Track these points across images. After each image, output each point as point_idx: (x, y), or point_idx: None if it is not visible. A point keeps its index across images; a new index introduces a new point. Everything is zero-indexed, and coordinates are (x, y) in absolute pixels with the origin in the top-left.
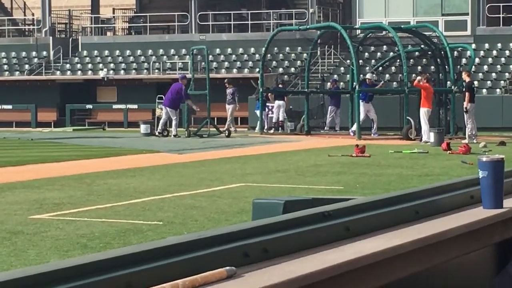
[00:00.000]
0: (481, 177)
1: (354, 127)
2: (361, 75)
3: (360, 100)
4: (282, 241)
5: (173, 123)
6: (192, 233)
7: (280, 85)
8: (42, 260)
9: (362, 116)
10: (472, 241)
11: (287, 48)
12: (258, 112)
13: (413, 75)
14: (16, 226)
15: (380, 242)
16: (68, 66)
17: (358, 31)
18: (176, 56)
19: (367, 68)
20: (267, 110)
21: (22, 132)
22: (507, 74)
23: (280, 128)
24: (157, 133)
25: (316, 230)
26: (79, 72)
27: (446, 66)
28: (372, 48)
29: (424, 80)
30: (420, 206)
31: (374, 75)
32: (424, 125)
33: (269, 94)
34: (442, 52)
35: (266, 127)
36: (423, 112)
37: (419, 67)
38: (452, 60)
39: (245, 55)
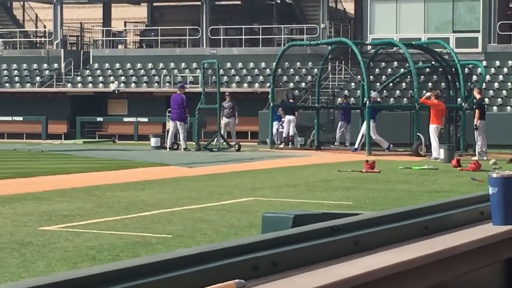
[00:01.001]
0: (491, 194)
1: (356, 145)
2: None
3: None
4: (291, 254)
5: (181, 136)
6: (202, 245)
7: (290, 100)
8: (51, 272)
9: (362, 132)
10: (482, 257)
11: (298, 63)
12: (275, 124)
13: (424, 91)
14: (26, 238)
15: (390, 256)
16: (79, 78)
17: (369, 47)
18: (187, 70)
19: (378, 84)
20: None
21: (32, 144)
22: None
23: (290, 143)
24: (167, 147)
25: (325, 244)
26: (90, 84)
27: (457, 83)
28: (383, 64)
29: (433, 96)
30: (430, 222)
31: (377, 93)
32: (434, 142)
33: (280, 109)
34: (453, 69)
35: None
36: (432, 128)
37: (430, 84)
38: (463, 77)
39: (256, 70)
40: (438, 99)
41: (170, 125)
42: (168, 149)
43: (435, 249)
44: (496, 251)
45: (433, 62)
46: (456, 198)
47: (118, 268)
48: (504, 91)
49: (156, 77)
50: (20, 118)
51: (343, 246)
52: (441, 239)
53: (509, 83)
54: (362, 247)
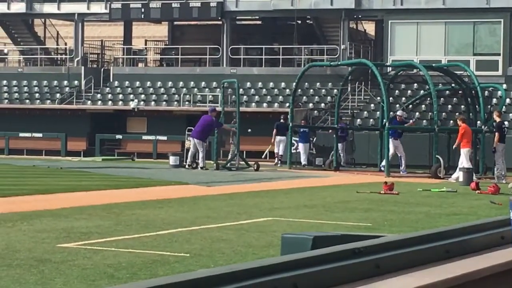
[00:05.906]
0: None
1: (383, 163)
2: (391, 112)
3: (390, 137)
4: (312, 277)
5: (200, 155)
6: (222, 267)
7: (281, 120)
8: None
9: (391, 151)
10: (503, 282)
11: (318, 84)
12: (301, 145)
13: (443, 113)
14: (44, 254)
15: (411, 280)
16: (99, 96)
17: (389, 69)
18: (207, 89)
19: (397, 105)
20: (295, 144)
21: (51, 160)
22: None
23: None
24: (186, 166)
25: (346, 267)
26: (110, 102)
27: (477, 106)
28: (403, 86)
29: (460, 121)
30: (450, 246)
31: (404, 112)
32: (466, 165)
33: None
34: (473, 92)
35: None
36: (464, 152)
37: (450, 106)
38: (483, 100)
39: (276, 90)
40: (465, 122)
41: (190, 143)
42: (188, 166)
43: (455, 273)
44: None
45: (453, 85)
46: (476, 222)
47: None
48: None
49: (176, 96)
50: (40, 135)
51: (364, 269)
52: (461, 264)
53: None
54: (383, 270)
